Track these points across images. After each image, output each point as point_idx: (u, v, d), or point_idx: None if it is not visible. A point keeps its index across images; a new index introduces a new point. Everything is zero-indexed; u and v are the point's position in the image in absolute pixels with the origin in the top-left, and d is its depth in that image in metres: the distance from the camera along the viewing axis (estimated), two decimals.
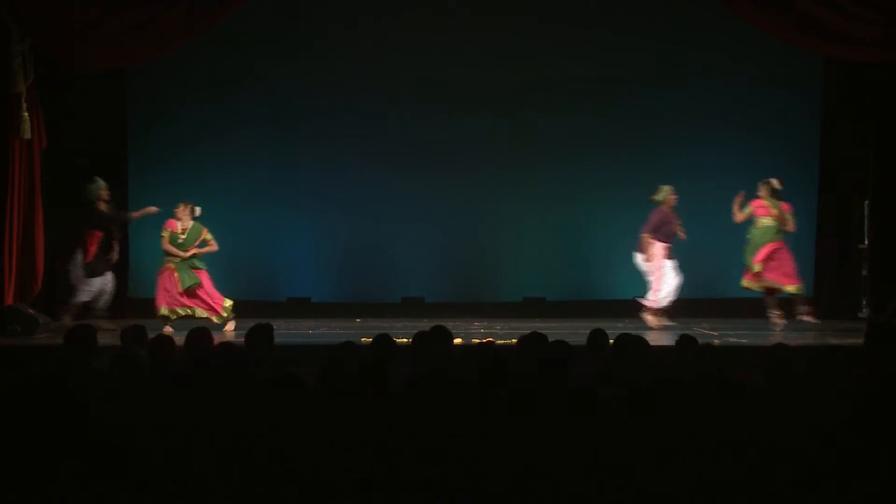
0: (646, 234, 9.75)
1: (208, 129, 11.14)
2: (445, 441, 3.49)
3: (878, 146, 9.89)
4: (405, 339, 6.33)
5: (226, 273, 11.21)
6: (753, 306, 10.59)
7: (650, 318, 9.80)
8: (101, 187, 9.64)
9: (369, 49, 11.01)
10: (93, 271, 9.60)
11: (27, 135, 9.27)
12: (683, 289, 10.97)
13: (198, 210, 9.61)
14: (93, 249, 9.60)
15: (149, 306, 10.01)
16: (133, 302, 10.92)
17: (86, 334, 5.12)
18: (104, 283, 9.69)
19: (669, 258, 9.80)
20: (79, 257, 9.58)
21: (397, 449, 3.46)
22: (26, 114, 9.21)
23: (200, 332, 5.30)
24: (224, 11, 9.67)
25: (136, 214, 10.02)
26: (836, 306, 10.36)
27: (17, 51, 9.18)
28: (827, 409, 3.70)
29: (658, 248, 9.76)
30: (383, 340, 5.08)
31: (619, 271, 11.09)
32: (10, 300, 9.24)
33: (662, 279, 9.74)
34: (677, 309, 10.65)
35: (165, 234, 9.53)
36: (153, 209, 9.85)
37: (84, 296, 9.59)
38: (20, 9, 9.19)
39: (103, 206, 9.66)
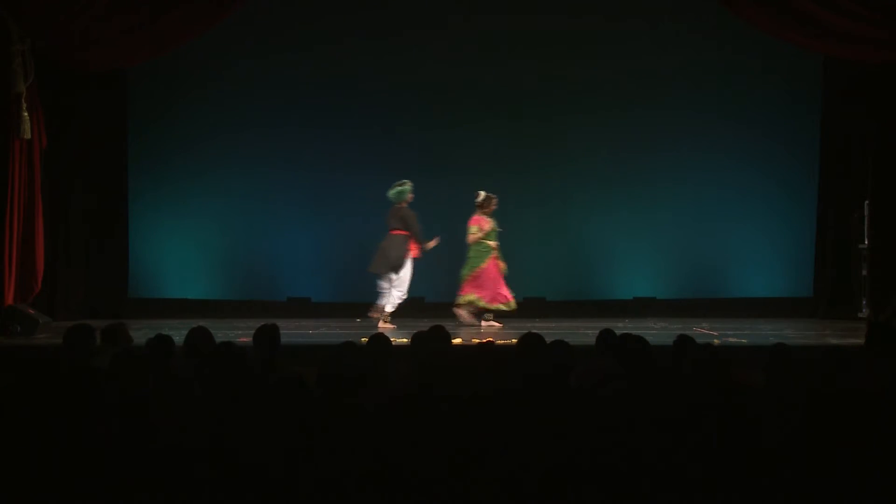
0: None
1: (208, 129, 11.13)
2: (444, 441, 3.49)
3: (878, 146, 9.90)
4: (404, 339, 6.34)
5: (226, 273, 11.24)
6: (753, 306, 10.60)
7: None
8: (410, 190, 9.77)
9: (369, 49, 11.02)
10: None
11: (27, 135, 9.27)
12: (683, 289, 10.99)
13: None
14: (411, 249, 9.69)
15: (148, 307, 10.01)
16: (133, 302, 10.92)
17: (85, 334, 5.11)
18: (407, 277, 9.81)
19: None
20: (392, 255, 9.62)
21: (396, 449, 3.46)
22: (26, 114, 9.22)
23: (200, 332, 5.30)
24: (224, 11, 9.69)
25: (429, 245, 9.93)
26: (836, 306, 10.35)
27: (17, 51, 9.19)
28: (826, 409, 3.69)
29: None
30: (379, 340, 5.06)
31: (619, 271, 11.10)
32: (10, 300, 9.25)
33: None
34: (677, 309, 10.67)
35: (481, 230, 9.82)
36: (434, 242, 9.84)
37: (400, 293, 9.71)
38: (21, 9, 9.20)
39: (406, 207, 9.75)
